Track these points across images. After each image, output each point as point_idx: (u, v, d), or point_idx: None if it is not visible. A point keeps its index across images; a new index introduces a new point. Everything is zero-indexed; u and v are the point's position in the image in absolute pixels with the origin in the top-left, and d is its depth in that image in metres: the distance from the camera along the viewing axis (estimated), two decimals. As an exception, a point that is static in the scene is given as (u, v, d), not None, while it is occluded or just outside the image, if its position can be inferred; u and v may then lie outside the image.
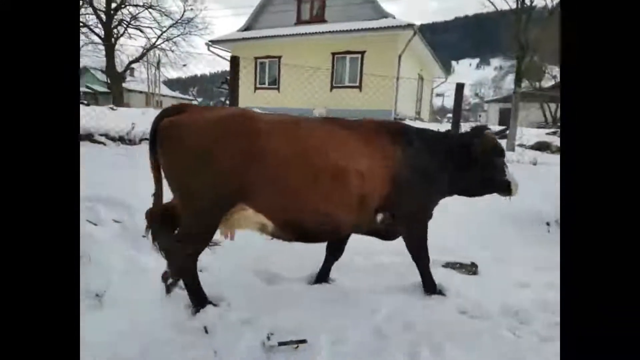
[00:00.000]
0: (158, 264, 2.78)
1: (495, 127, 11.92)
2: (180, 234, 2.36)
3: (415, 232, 2.72)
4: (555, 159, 8.88)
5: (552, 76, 31.19)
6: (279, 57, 16.38)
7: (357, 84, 15.16)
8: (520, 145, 9.73)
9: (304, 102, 14.22)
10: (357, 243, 2.97)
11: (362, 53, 15.04)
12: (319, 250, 3.02)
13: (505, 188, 2.80)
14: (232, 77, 4.41)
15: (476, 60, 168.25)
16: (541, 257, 3.35)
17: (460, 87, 5.24)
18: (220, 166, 2.15)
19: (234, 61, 4.32)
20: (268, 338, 2.15)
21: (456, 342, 2.18)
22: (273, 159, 2.22)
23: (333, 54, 15.51)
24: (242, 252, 3.13)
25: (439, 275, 2.96)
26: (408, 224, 2.68)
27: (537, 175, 5.48)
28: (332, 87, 15.51)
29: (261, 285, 2.80)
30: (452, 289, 2.83)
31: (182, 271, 2.39)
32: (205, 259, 3.01)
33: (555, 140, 11.21)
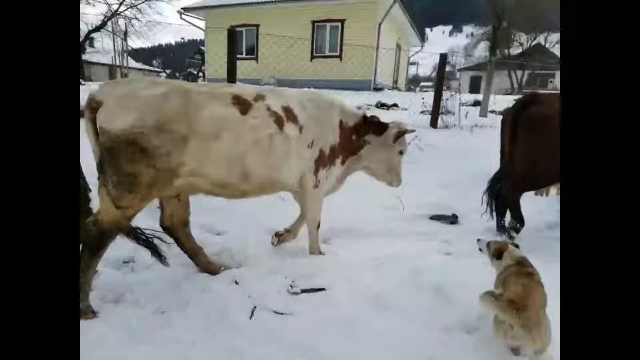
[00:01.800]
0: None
1: (469, 96, 12.27)
2: (520, 182, 3.32)
3: None
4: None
5: (519, 44, 31.91)
6: (257, 26, 16.04)
7: (338, 54, 15.17)
8: (492, 112, 10.27)
9: (284, 73, 14.15)
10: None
11: (342, 21, 14.96)
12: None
13: None
14: (230, 50, 4.51)
15: (449, 28, 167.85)
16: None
17: (443, 57, 5.53)
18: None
19: (232, 34, 4.41)
20: (291, 286, 2.49)
21: (447, 276, 2.59)
22: None
23: (313, 22, 15.35)
24: (251, 216, 3.45)
25: (423, 225, 3.53)
26: None
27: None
28: (312, 57, 15.46)
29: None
30: (432, 234, 3.36)
31: (512, 204, 3.40)
32: (221, 226, 3.32)
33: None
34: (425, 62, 42.35)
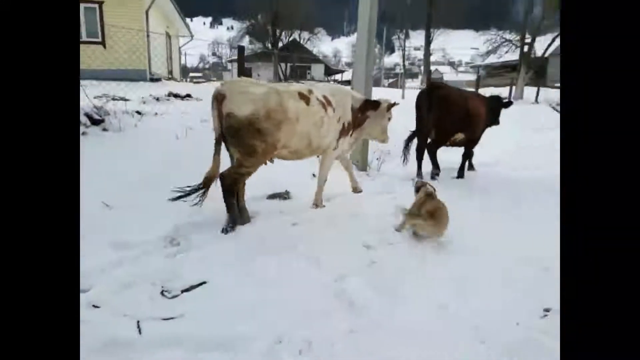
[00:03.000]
0: None
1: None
2: (438, 138, 5.42)
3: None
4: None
5: (279, 39, 35.57)
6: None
7: (100, 40, 13.15)
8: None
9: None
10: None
11: (100, 3, 13.01)
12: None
13: None
14: None
15: (209, 19, 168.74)
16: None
17: (241, 49, 5.77)
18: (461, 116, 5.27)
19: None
20: (166, 291, 2.30)
21: (306, 243, 2.99)
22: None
23: (59, 0, 12.71)
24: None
25: (265, 204, 3.82)
26: None
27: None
28: (65, 42, 12.85)
29: (116, 252, 2.72)
30: (276, 210, 3.71)
31: (432, 155, 5.50)
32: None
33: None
34: (192, 52, 41.46)
